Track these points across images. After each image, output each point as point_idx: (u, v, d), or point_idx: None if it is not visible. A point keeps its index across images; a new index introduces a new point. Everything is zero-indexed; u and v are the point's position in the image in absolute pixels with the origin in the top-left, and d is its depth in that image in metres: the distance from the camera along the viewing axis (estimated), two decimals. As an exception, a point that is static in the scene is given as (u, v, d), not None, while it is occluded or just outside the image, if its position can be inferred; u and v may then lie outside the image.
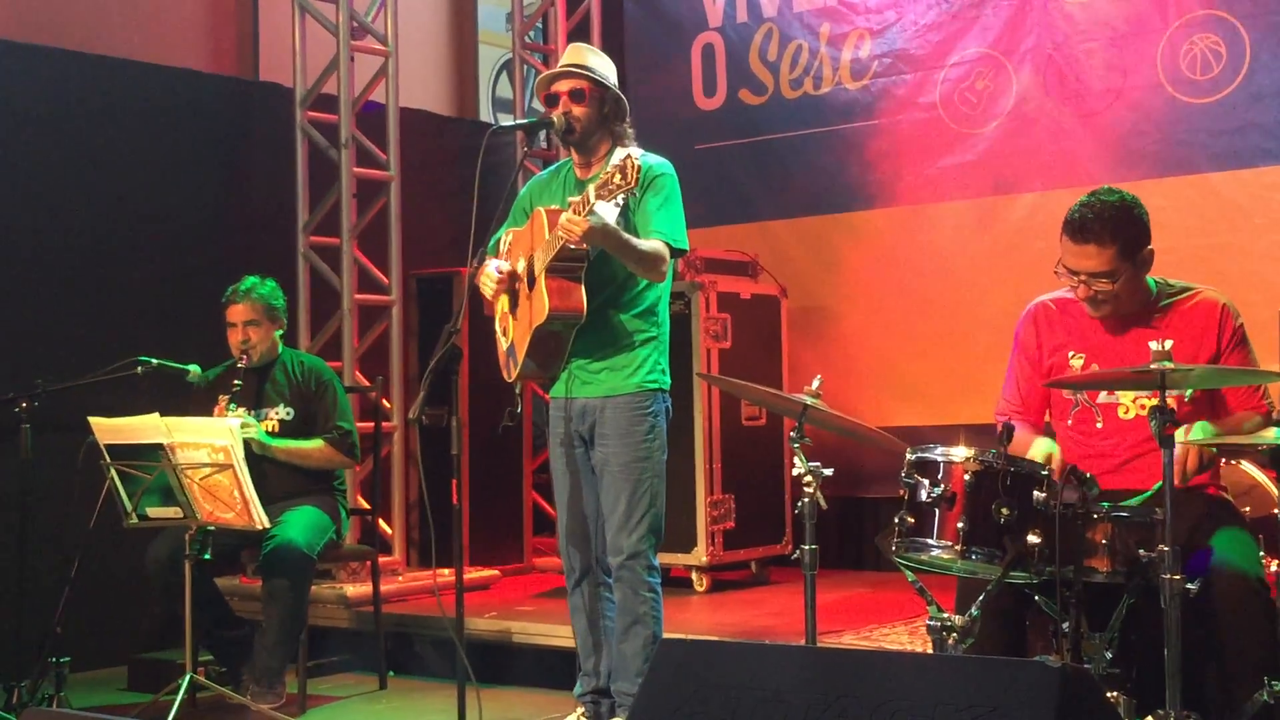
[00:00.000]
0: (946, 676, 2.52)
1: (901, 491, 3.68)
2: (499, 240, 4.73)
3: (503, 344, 4.68)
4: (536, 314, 4.40)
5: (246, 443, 5.26)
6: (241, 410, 5.37)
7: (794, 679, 2.58)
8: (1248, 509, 4.35)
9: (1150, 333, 3.83)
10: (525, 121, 4.79)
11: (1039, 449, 3.83)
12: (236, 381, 5.42)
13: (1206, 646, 3.61)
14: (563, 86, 4.57)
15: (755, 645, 2.83)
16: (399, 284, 6.99)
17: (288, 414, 5.57)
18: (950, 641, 3.54)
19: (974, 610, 3.55)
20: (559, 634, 5.57)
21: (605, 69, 4.62)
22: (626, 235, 4.33)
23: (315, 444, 5.53)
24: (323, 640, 6.10)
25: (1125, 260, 3.82)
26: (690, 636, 4.59)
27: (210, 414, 5.37)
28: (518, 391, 4.73)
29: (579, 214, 4.16)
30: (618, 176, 4.08)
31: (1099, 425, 3.95)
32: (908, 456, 3.68)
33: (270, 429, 5.49)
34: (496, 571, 7.03)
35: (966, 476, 3.56)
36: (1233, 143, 6.22)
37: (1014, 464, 3.56)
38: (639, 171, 4.09)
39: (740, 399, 6.52)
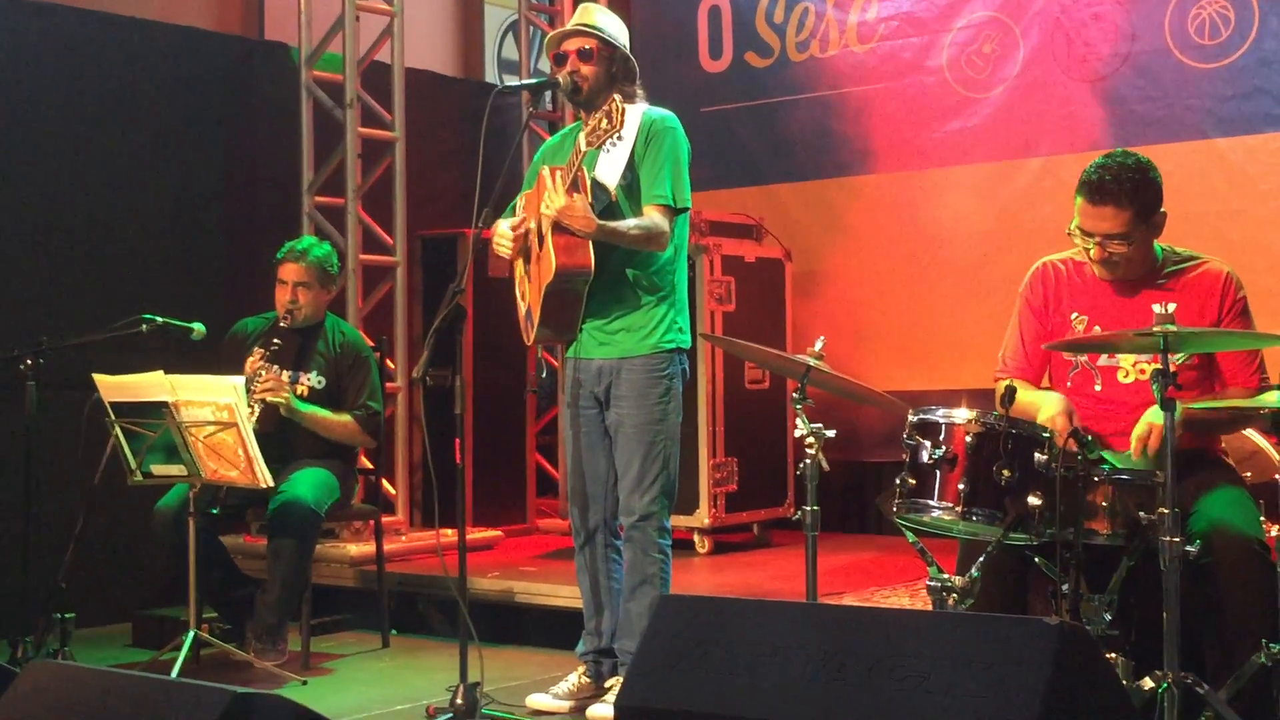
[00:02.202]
0: (944, 634, 2.54)
1: (903, 453, 3.69)
2: (515, 206, 4.74)
3: (521, 308, 4.69)
4: (544, 273, 4.41)
5: (274, 405, 5.30)
6: (276, 368, 5.40)
7: (794, 635, 2.60)
8: (1249, 474, 4.35)
9: (1154, 298, 3.80)
10: (531, 82, 4.78)
11: (1050, 405, 3.79)
12: (276, 340, 5.44)
13: (1205, 609, 3.63)
14: (571, 45, 4.55)
15: (756, 602, 2.85)
16: (403, 244, 6.99)
17: (319, 382, 5.58)
18: (950, 602, 3.56)
19: (974, 571, 3.56)
20: (561, 594, 5.60)
21: (615, 29, 4.60)
22: (611, 225, 4.35)
23: (343, 418, 5.55)
24: (326, 599, 6.12)
25: (1140, 223, 3.84)
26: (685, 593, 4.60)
27: (242, 363, 5.40)
28: (539, 356, 4.75)
29: (557, 191, 4.22)
30: (604, 121, 4.15)
31: (1097, 388, 3.96)
32: (909, 418, 3.69)
33: (300, 393, 5.50)
34: (499, 532, 7.05)
35: (968, 438, 3.57)
36: (1240, 108, 6.19)
37: (1015, 426, 3.57)
38: (624, 114, 4.13)
39: (744, 361, 6.54)
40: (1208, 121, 6.27)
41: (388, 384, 6.28)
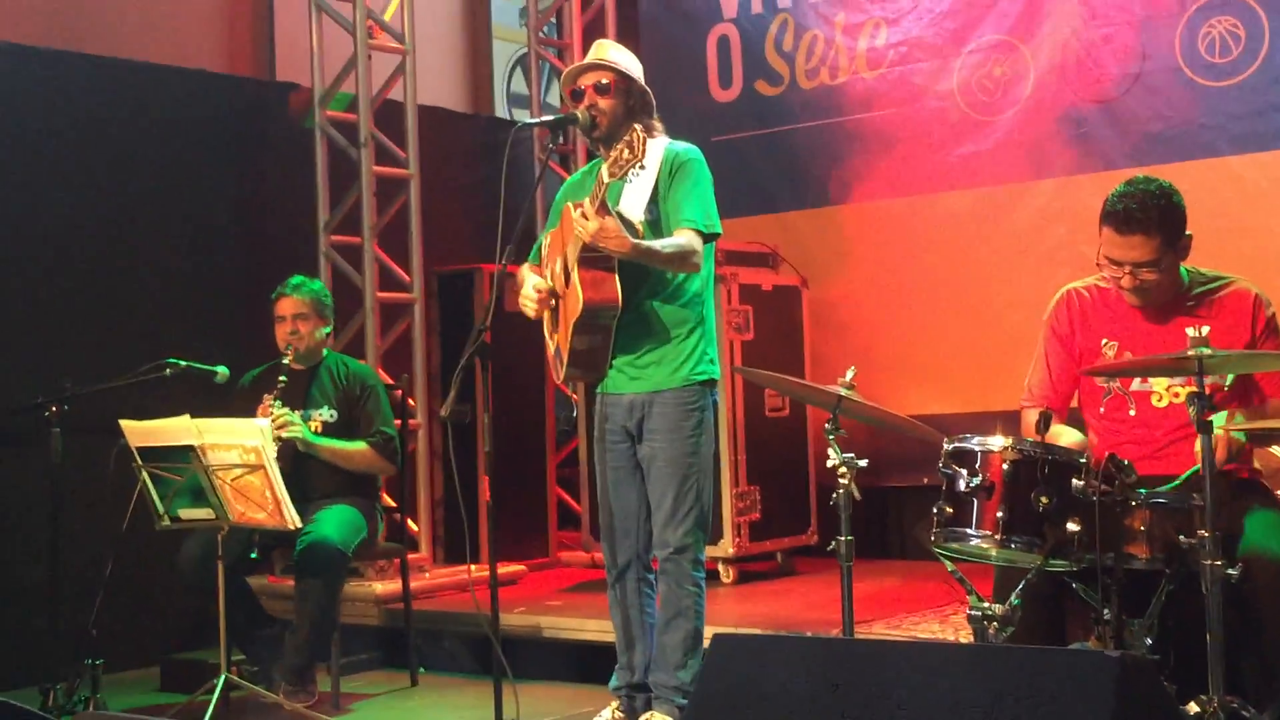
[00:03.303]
0: (1003, 668, 2.53)
1: (936, 481, 3.69)
2: (540, 246, 4.74)
3: (550, 347, 4.68)
4: (572, 310, 4.40)
5: (290, 441, 5.29)
6: (287, 408, 5.39)
7: (852, 671, 2.59)
8: (1279, 491, 4.35)
9: (1183, 321, 3.84)
10: (550, 119, 4.79)
11: (1068, 439, 3.83)
12: (282, 378, 5.43)
13: (1243, 631, 3.61)
14: (587, 80, 4.56)
15: (810, 639, 2.84)
16: (420, 281, 7.00)
17: (331, 416, 5.58)
18: (991, 630, 3.55)
19: (1014, 599, 3.56)
20: (588, 628, 5.59)
21: (630, 64, 4.61)
22: (646, 244, 4.33)
23: (359, 446, 5.55)
24: (352, 638, 6.11)
25: (1169, 248, 3.84)
26: (740, 630, 4.60)
27: (253, 413, 5.37)
28: (571, 391, 4.72)
29: (588, 215, 4.20)
30: (625, 152, 4.13)
31: (1132, 413, 3.96)
32: (945, 446, 3.69)
33: (314, 428, 5.50)
34: (523, 567, 7.04)
35: (1005, 466, 3.57)
36: (1253, 125, 6.20)
37: (1052, 452, 3.57)
38: (644, 143, 4.12)
39: (763, 390, 6.53)
40: (1221, 139, 6.28)
41: (410, 420, 6.27)
